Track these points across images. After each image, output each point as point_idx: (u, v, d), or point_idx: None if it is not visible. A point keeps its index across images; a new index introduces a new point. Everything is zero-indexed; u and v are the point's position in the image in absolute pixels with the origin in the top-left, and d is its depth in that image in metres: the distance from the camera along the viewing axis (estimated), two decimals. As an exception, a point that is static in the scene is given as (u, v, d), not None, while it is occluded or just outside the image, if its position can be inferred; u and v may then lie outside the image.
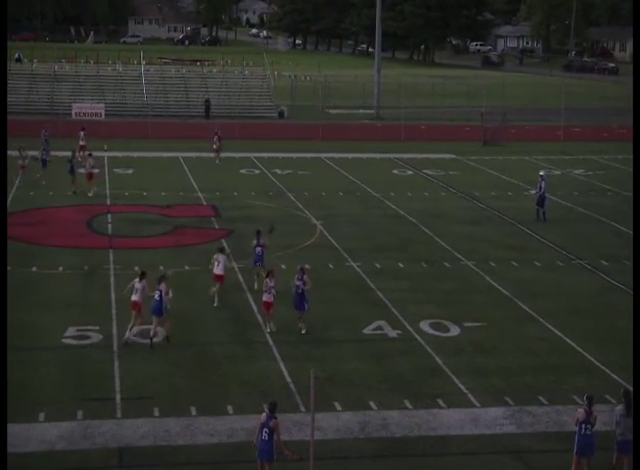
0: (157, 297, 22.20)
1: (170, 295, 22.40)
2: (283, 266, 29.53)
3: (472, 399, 20.00)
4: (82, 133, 47.95)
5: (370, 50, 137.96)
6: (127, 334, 22.42)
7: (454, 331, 24.09)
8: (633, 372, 18.28)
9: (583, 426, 16.15)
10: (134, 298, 22.55)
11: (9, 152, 41.45)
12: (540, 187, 36.85)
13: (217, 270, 25.55)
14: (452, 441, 18.16)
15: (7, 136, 33.80)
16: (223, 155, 50.16)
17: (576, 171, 49.80)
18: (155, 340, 22.27)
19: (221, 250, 26.39)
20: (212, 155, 49.30)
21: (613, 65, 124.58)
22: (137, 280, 22.72)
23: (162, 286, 22.28)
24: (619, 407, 16.51)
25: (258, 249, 26.92)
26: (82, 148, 46.25)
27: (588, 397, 16.32)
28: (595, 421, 16.22)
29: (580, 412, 16.22)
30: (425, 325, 24.39)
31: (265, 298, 23.41)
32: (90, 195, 39.37)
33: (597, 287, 28.66)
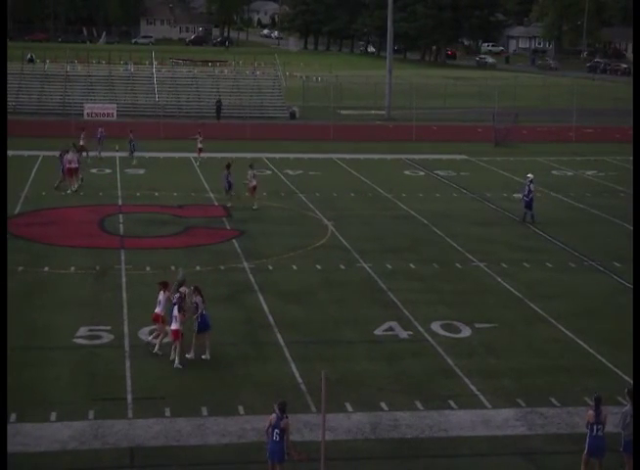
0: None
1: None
2: (294, 267, 29.58)
3: (483, 400, 19.97)
4: (83, 134, 48.08)
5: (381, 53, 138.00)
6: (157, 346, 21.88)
7: (465, 332, 24.05)
8: (633, 372, 18.24)
9: (595, 427, 16.11)
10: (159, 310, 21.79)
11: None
12: (529, 190, 36.69)
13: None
14: (463, 442, 18.13)
15: (7, 137, 33.92)
16: (236, 155, 50.19)
17: (589, 173, 49.69)
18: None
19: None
20: (196, 156, 48.89)
21: (625, 65, 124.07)
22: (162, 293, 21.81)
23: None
24: (627, 408, 16.45)
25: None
26: (82, 148, 46.63)
27: (596, 397, 16.29)
28: (605, 420, 16.19)
29: (591, 414, 16.18)
30: (436, 326, 24.37)
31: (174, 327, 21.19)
32: (68, 192, 39.65)
33: (609, 288, 28.57)
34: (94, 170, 42.35)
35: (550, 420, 19.09)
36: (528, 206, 36.79)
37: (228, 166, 38.18)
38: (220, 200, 39.38)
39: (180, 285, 21.95)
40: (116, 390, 19.86)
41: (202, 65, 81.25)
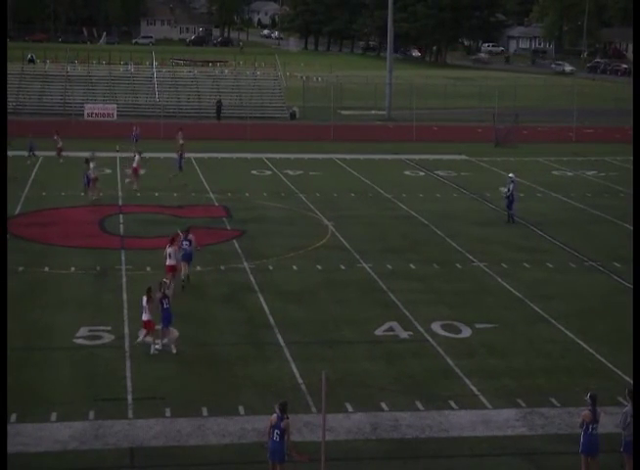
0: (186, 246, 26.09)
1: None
2: (294, 267, 29.57)
3: (483, 400, 19.97)
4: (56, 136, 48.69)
5: (381, 53, 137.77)
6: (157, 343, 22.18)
7: (466, 332, 24.05)
8: (633, 372, 18.23)
9: (591, 426, 16.15)
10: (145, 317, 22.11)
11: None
12: (509, 189, 36.67)
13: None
14: (464, 442, 18.13)
15: (7, 137, 33.98)
16: (236, 155, 50.18)
17: (589, 173, 49.68)
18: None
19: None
20: (176, 155, 48.64)
21: (625, 66, 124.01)
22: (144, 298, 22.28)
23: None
24: (628, 408, 16.44)
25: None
26: (60, 150, 47.80)
27: (591, 395, 16.31)
28: (599, 418, 16.21)
29: (587, 414, 16.18)
30: (436, 326, 24.37)
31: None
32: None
33: (609, 288, 28.57)
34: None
35: (550, 420, 19.09)
36: (509, 205, 36.82)
37: (87, 161, 39.01)
38: (220, 200, 39.42)
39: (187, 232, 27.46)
40: (117, 390, 19.86)
41: (202, 65, 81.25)
